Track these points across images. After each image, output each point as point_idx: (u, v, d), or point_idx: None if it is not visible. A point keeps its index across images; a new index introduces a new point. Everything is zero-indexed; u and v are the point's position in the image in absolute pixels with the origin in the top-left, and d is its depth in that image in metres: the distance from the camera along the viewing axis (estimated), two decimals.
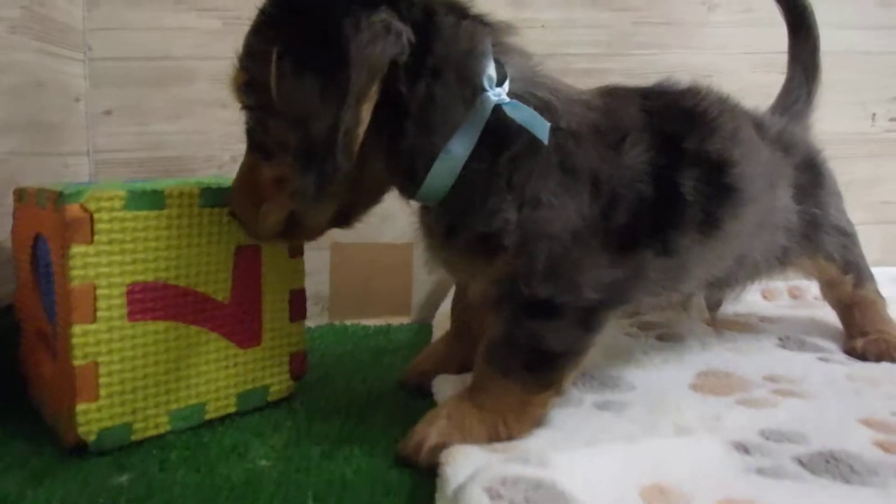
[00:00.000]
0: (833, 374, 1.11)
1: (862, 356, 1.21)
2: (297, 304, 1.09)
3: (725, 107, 1.07)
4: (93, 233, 0.88)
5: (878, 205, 1.79)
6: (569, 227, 0.88)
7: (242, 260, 1.03)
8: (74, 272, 0.87)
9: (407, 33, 0.83)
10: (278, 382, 1.09)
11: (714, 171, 1.00)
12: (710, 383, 1.08)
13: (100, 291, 0.89)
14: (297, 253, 1.09)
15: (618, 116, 0.96)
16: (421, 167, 0.88)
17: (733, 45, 1.69)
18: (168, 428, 0.98)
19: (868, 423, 0.92)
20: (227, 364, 1.03)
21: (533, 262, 0.88)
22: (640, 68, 1.66)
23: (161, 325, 0.95)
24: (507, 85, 0.88)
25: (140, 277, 0.92)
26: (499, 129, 0.87)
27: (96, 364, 0.90)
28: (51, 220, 0.93)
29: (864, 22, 1.71)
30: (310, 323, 1.28)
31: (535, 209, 0.88)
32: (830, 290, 1.31)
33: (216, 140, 1.59)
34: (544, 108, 0.89)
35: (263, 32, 0.90)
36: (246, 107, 0.93)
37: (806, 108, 1.30)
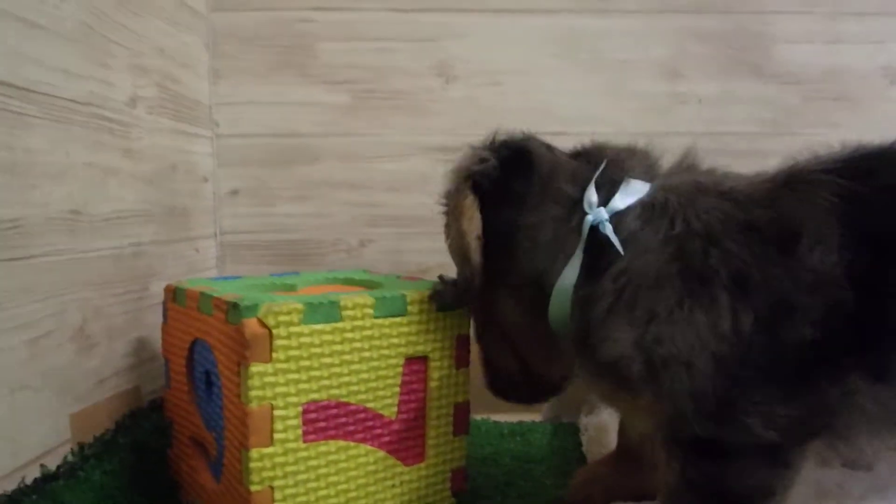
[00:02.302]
0: None
1: None
2: (460, 418, 1.10)
3: None
4: (271, 350, 0.89)
5: None
6: (705, 348, 0.81)
7: (410, 373, 1.04)
8: (253, 393, 0.88)
9: (494, 163, 0.99)
10: (440, 500, 1.09)
11: None
12: None
13: (277, 413, 0.90)
14: (463, 363, 1.09)
15: (789, 211, 0.85)
16: (538, 297, 0.96)
17: None
18: None
19: None
20: (392, 483, 1.03)
21: (676, 400, 0.83)
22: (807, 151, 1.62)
23: (333, 446, 0.96)
24: (616, 201, 0.91)
25: (315, 396, 0.93)
26: (600, 247, 0.90)
27: (272, 489, 0.90)
28: (218, 331, 0.94)
29: None
30: None
31: (650, 324, 0.84)
32: None
33: (344, 223, 1.62)
34: (655, 215, 0.90)
35: None
36: None
37: None
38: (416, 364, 1.05)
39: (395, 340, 1.01)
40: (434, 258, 1.59)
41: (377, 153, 1.62)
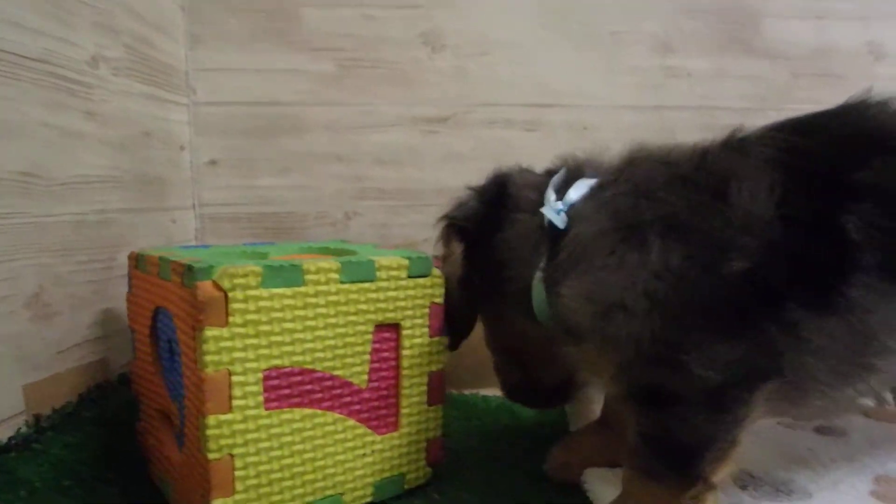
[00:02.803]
0: None
1: None
2: (435, 388, 1.07)
3: None
4: (227, 314, 0.85)
5: None
6: (637, 286, 0.84)
7: (381, 341, 1.01)
8: (208, 358, 0.84)
9: (475, 203, 1.12)
10: (415, 470, 1.07)
11: None
12: (894, 492, 1.02)
13: (235, 378, 0.86)
14: (437, 332, 1.06)
15: (718, 161, 0.89)
16: (529, 299, 1.02)
17: None
18: None
19: None
20: (364, 452, 1.00)
21: (618, 345, 0.86)
22: None
23: (298, 414, 0.92)
24: (570, 195, 0.99)
25: (276, 362, 0.90)
26: (556, 234, 0.96)
27: (232, 457, 0.87)
28: (177, 296, 0.90)
29: None
30: None
31: (588, 274, 0.88)
32: None
33: (329, 196, 1.59)
34: (595, 193, 0.97)
35: None
36: None
37: None
38: (388, 332, 1.01)
39: (364, 307, 0.98)
40: (422, 232, 1.56)
41: (363, 124, 1.59)
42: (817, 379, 0.85)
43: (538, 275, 0.99)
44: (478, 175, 1.14)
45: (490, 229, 1.07)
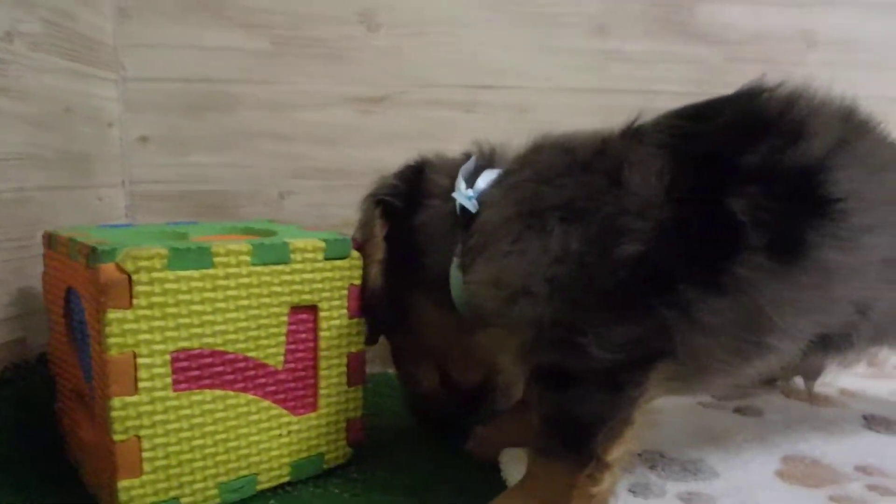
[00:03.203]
0: None
1: None
2: (355, 368, 1.07)
3: (833, 117, 0.95)
4: (131, 296, 0.85)
5: None
6: (539, 272, 0.87)
7: (297, 322, 1.00)
8: (112, 340, 0.83)
9: (398, 182, 1.11)
10: (334, 450, 1.07)
11: (793, 181, 0.87)
12: (799, 472, 1.04)
13: (141, 361, 0.86)
14: (357, 313, 1.06)
15: (614, 148, 0.94)
16: (446, 287, 1.03)
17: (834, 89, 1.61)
18: (218, 501, 0.95)
19: None
20: (280, 433, 1.00)
21: (520, 328, 0.89)
22: None
23: (209, 395, 0.92)
24: (479, 183, 1.02)
25: (185, 344, 0.89)
26: (468, 219, 0.99)
27: (139, 438, 0.87)
28: (83, 278, 0.89)
29: None
30: None
31: (495, 261, 0.92)
32: None
33: (263, 174, 1.57)
34: (499, 179, 1.01)
35: None
36: None
37: None
38: (304, 313, 1.01)
39: (278, 289, 0.97)
40: None
41: (298, 102, 1.58)
42: (712, 357, 0.88)
43: (455, 261, 1.00)
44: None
45: (409, 212, 1.08)
